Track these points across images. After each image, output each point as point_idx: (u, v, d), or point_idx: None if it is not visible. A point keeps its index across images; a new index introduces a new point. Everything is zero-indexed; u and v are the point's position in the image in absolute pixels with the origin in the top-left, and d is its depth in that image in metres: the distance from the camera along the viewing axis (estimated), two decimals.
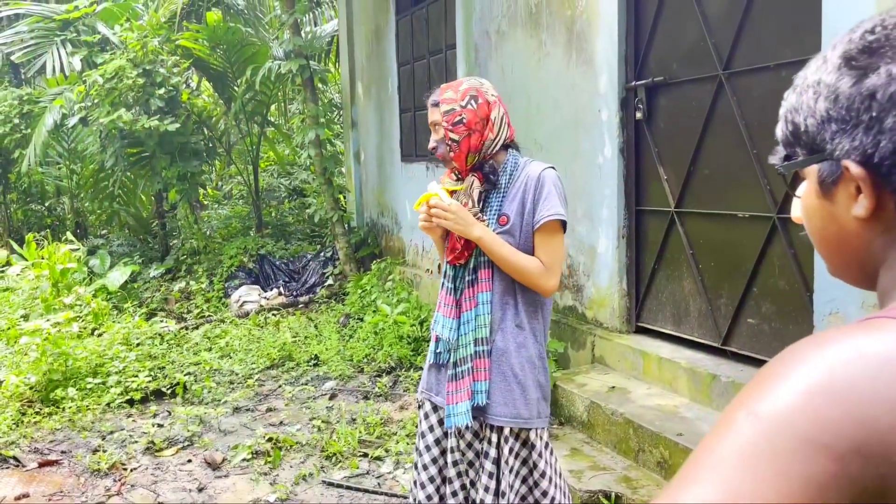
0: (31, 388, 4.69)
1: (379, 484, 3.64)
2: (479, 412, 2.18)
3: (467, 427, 2.16)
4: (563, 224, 2.16)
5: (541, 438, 2.21)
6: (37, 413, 4.54)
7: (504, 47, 5.09)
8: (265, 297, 7.38)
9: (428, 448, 2.29)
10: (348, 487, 3.61)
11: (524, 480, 2.17)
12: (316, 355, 5.66)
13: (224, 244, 8.67)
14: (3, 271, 7.35)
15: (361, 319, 6.32)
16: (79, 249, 7.13)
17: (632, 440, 3.33)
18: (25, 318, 5.86)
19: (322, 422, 4.37)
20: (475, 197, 2.15)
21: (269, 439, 4.08)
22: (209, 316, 6.94)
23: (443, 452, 2.28)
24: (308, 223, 10.29)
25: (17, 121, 8.33)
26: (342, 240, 7.64)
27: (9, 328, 5.49)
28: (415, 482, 2.33)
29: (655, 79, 3.80)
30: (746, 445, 0.56)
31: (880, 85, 0.67)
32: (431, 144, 2.23)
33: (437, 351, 2.25)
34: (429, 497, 2.26)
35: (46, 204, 10.18)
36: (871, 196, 0.69)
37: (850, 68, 0.70)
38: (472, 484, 2.22)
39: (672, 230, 3.83)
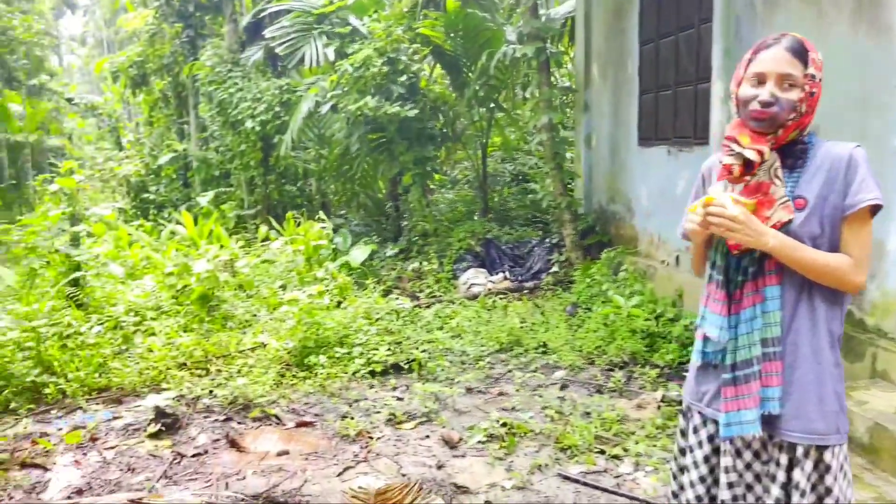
0: (288, 353, 5.13)
1: (618, 484, 3.46)
2: (766, 426, 1.90)
3: (753, 439, 1.90)
4: (874, 211, 1.85)
5: (837, 458, 1.89)
6: (293, 376, 4.94)
7: (774, 18, 4.57)
8: (491, 281, 7.46)
9: (696, 465, 2.04)
10: (585, 484, 3.47)
11: None
12: (544, 342, 5.58)
13: (451, 227, 8.92)
14: (264, 245, 8.18)
15: (589, 309, 6.13)
16: (328, 228, 7.71)
17: None
18: (283, 288, 6.43)
19: (555, 412, 4.27)
20: (781, 176, 1.87)
21: (504, 424, 4.06)
22: (439, 296, 7.16)
23: (711, 471, 2.02)
24: (531, 209, 10.27)
25: (277, 108, 9.19)
26: (569, 226, 7.48)
27: (270, 297, 6.06)
28: (675, 495, 2.11)
29: None
30: None
31: None
32: (767, 97, 1.81)
33: (705, 350, 1.98)
34: None
35: (297, 185, 11.20)
36: None
37: None
38: None
39: None
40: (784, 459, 1.90)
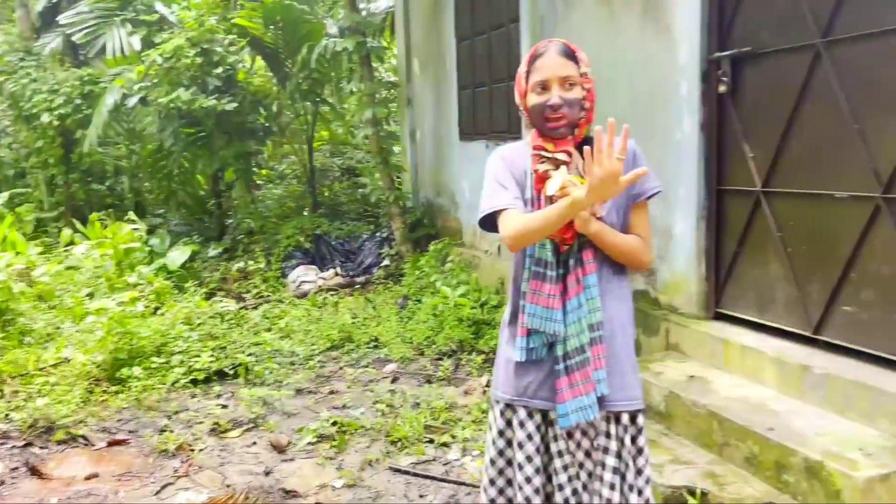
0: (97, 367, 4.73)
1: (447, 471, 3.55)
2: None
3: (591, 423, 2.01)
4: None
5: (642, 420, 2.08)
6: (104, 392, 4.57)
7: (572, 18, 4.87)
8: (322, 278, 7.35)
9: (529, 459, 2.07)
10: (415, 474, 3.53)
11: (639, 472, 2.04)
12: (376, 337, 5.60)
13: (279, 224, 8.68)
14: (67, 250, 7.48)
15: (419, 301, 6.23)
16: (140, 229, 7.20)
17: (716, 433, 3.15)
18: (91, 296, 5.93)
19: (386, 405, 4.30)
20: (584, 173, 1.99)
21: (334, 423, 4.03)
22: (268, 296, 6.95)
23: (551, 460, 2.08)
24: (361, 203, 10.25)
25: (78, 101, 8.43)
26: (398, 220, 7.55)
27: (75, 307, 5.56)
28: (516, 497, 2.11)
29: (742, 49, 3.56)
30: None
31: None
32: (556, 101, 1.91)
33: (529, 347, 2.04)
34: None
35: (106, 184, 10.34)
36: None
37: None
38: (584, 487, 2.07)
39: (757, 212, 3.60)
40: (613, 430, 2.02)
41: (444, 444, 3.81)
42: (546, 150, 1.98)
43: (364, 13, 7.59)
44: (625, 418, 2.04)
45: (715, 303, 3.92)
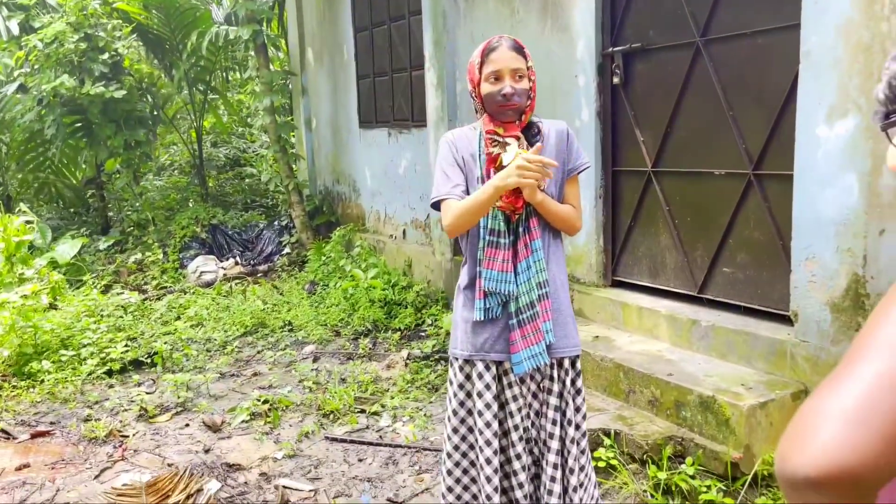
0: (3, 363, 4.57)
1: (381, 436, 3.79)
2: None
3: (538, 368, 2.30)
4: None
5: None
6: (14, 387, 4.44)
7: (474, 14, 5.20)
8: (222, 267, 7.32)
9: (488, 406, 2.33)
10: (352, 441, 3.75)
11: (577, 409, 2.38)
12: (289, 321, 5.71)
13: (169, 215, 8.48)
14: None
15: (327, 286, 6.39)
16: (33, 222, 6.85)
17: (622, 383, 3.60)
18: None
19: (313, 383, 4.47)
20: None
21: (265, 401, 4.15)
22: (169, 287, 6.84)
23: (501, 406, 2.37)
24: (249, 193, 10.16)
25: None
26: (298, 208, 7.63)
27: None
28: (478, 441, 2.36)
29: (632, 45, 4.02)
30: (893, 339, 0.75)
31: None
32: (509, 90, 2.15)
33: (486, 307, 2.29)
34: (498, 450, 2.34)
35: None
36: None
37: None
38: (532, 423, 2.38)
39: (649, 189, 4.09)
40: (556, 373, 2.34)
41: (375, 414, 4.05)
42: (498, 134, 2.26)
43: (257, 1, 7.54)
44: (566, 363, 2.38)
45: (612, 271, 4.39)
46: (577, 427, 2.42)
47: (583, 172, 2.46)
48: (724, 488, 2.95)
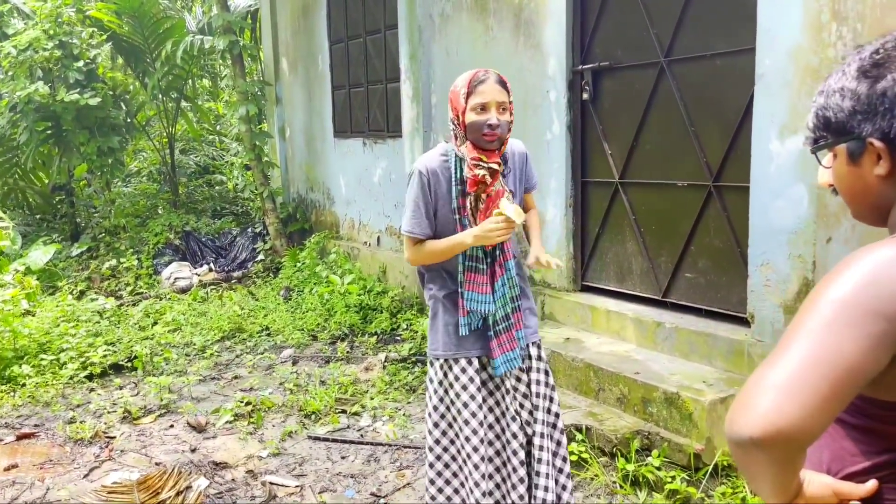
0: None
1: (362, 435, 3.94)
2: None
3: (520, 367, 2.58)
4: None
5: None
6: None
7: (448, 30, 5.41)
8: (197, 274, 7.38)
9: (473, 397, 2.54)
10: (334, 440, 3.89)
11: (548, 383, 2.64)
12: (267, 326, 5.82)
13: (138, 221, 8.50)
14: None
15: (303, 292, 6.51)
16: (9, 227, 6.83)
17: (592, 381, 3.81)
18: None
19: (293, 385, 4.60)
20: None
21: (248, 403, 4.27)
22: (144, 293, 6.88)
23: (490, 393, 2.61)
24: (219, 200, 10.21)
25: None
26: (272, 215, 7.73)
27: None
28: (462, 432, 2.55)
29: (601, 63, 4.26)
30: (828, 318, 0.95)
31: (888, 87, 1.06)
32: (495, 121, 2.31)
33: (469, 323, 2.50)
34: (484, 439, 2.55)
35: None
36: (888, 159, 1.09)
37: (865, 77, 1.09)
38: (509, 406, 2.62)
39: (616, 199, 4.32)
40: (527, 364, 2.60)
41: (356, 414, 4.20)
42: (483, 161, 2.41)
43: (233, 13, 7.66)
44: (533, 350, 2.62)
45: (582, 276, 4.62)
46: (552, 400, 2.66)
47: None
48: (688, 478, 3.17)
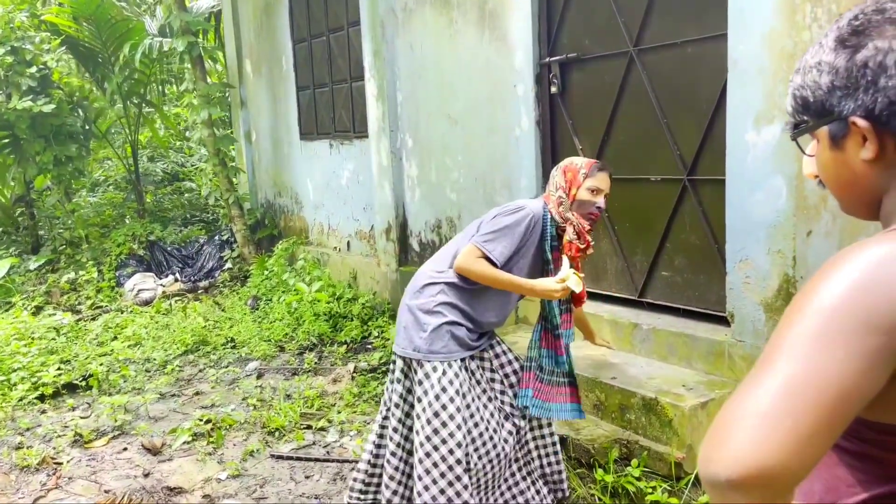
0: None
1: (328, 452, 3.74)
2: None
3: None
4: None
5: None
6: None
7: (412, 24, 5.21)
8: (161, 285, 7.12)
9: (466, 396, 2.65)
10: (298, 458, 3.68)
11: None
12: (232, 338, 5.59)
13: (104, 232, 8.22)
14: None
15: (271, 300, 6.28)
16: None
17: None
18: None
19: (257, 400, 4.37)
20: None
21: (207, 421, 4.04)
22: (105, 306, 6.61)
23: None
24: (188, 208, 9.93)
25: None
26: (239, 222, 7.49)
27: None
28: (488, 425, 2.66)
29: (569, 55, 4.09)
30: (814, 330, 0.77)
31: (870, 56, 0.90)
32: (603, 206, 2.70)
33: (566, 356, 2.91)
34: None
35: None
36: (875, 141, 0.92)
37: (844, 48, 0.92)
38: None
39: None
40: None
41: (322, 429, 3.99)
42: (585, 235, 2.71)
43: (192, 13, 7.40)
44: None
45: None
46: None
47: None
48: (669, 488, 3.00)
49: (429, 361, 2.59)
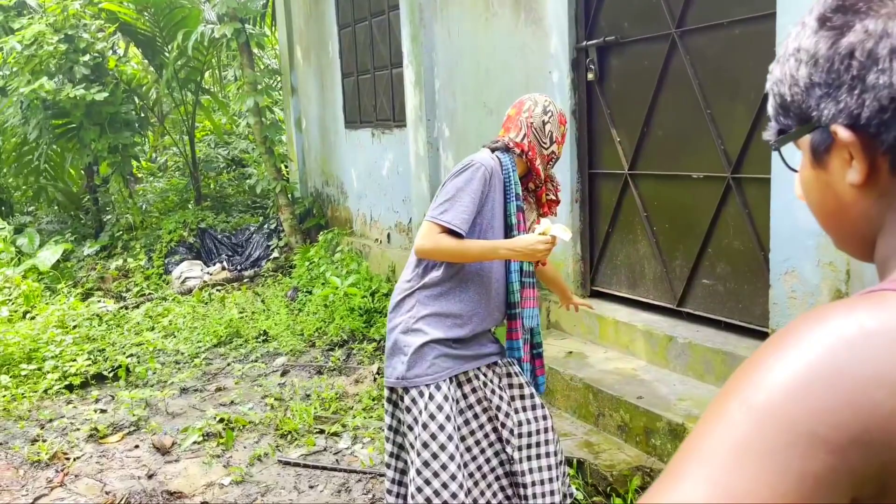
0: None
1: (337, 460, 3.56)
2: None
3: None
4: None
5: None
6: None
7: (450, 8, 4.93)
8: (208, 273, 7.13)
9: (458, 419, 2.37)
10: (305, 465, 3.52)
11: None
12: (265, 331, 5.50)
13: (161, 219, 8.34)
14: None
15: (310, 292, 6.17)
16: (4, 229, 6.72)
17: (591, 405, 3.32)
18: None
19: (275, 399, 4.25)
20: None
21: (221, 420, 3.94)
22: (150, 294, 6.67)
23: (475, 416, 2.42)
24: (249, 195, 9.98)
25: None
26: (286, 211, 7.43)
27: None
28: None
29: (607, 38, 3.73)
30: (739, 439, 0.51)
31: (857, 42, 0.62)
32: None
33: (520, 347, 2.44)
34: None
35: None
36: (863, 160, 0.63)
37: (826, 29, 0.65)
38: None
39: (626, 193, 3.80)
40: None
41: (335, 434, 3.82)
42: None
43: None
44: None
45: (591, 281, 4.11)
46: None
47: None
48: None
49: (414, 387, 2.30)
